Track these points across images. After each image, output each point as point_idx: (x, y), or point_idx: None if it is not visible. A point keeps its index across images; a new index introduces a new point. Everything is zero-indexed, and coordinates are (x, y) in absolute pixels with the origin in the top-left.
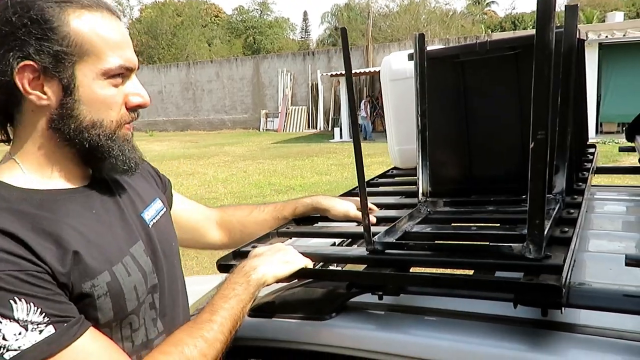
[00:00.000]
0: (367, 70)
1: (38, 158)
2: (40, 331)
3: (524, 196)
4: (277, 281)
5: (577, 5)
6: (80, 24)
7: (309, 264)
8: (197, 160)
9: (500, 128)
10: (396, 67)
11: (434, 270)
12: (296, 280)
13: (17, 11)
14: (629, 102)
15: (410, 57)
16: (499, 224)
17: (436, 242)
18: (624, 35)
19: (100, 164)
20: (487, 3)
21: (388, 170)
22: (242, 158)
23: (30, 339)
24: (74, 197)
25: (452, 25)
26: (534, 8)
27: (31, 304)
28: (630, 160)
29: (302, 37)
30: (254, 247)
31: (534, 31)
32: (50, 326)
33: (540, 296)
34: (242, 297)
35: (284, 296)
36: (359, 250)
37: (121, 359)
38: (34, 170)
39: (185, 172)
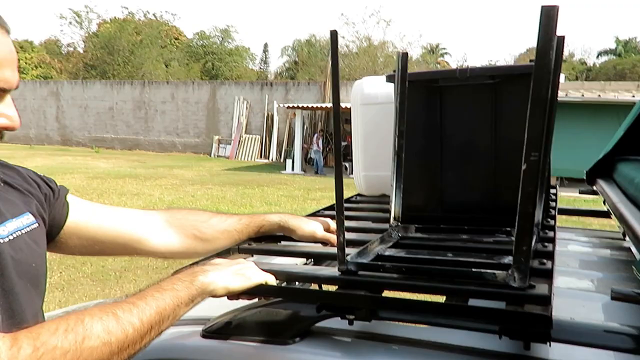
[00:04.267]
0: (323, 105)
1: None
2: None
3: (499, 227)
4: (230, 296)
5: (564, 36)
6: None
7: (270, 280)
8: (144, 181)
9: (475, 156)
10: (368, 92)
11: (409, 295)
12: (257, 300)
13: None
14: (568, 158)
15: (389, 78)
16: (473, 253)
17: (413, 265)
18: (565, 95)
19: None
20: (441, 53)
21: (352, 197)
22: (190, 182)
23: None
24: None
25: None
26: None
27: None
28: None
29: (260, 68)
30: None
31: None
32: None
33: (529, 327)
34: (179, 294)
35: (242, 316)
36: (330, 270)
37: None
38: None
39: (130, 192)
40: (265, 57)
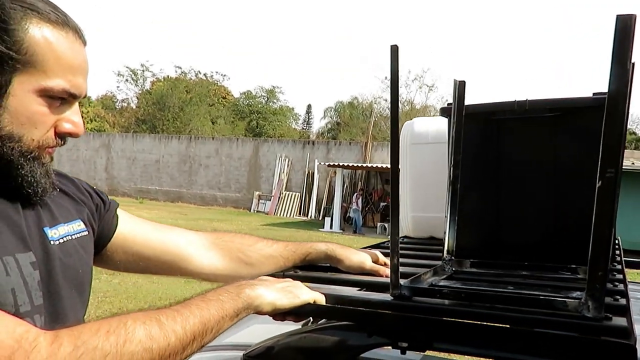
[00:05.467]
0: (364, 164)
1: None
2: None
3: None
4: (276, 316)
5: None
6: (39, 35)
7: (319, 300)
8: None
9: (534, 191)
10: (418, 130)
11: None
12: (302, 325)
13: None
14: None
15: (443, 112)
16: (536, 287)
17: (474, 290)
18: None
19: (5, 179)
20: None
21: (399, 238)
22: None
23: None
24: None
25: None
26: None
27: None
28: None
29: (303, 128)
30: None
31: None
32: None
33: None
34: (224, 306)
35: (286, 342)
36: (381, 295)
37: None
38: None
39: None
40: (308, 118)
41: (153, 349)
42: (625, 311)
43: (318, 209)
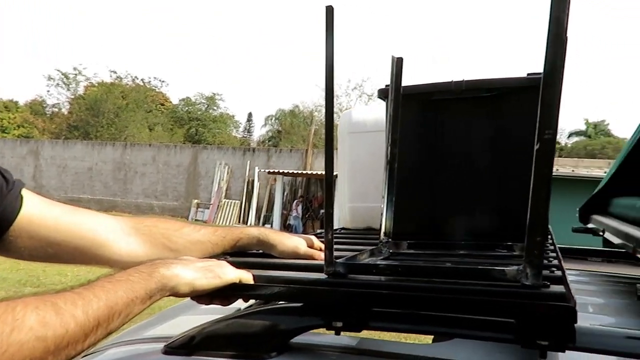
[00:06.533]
0: (304, 172)
1: None
2: None
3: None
4: (199, 299)
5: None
6: None
7: (245, 279)
8: None
9: (470, 172)
10: (356, 119)
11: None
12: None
13: None
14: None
15: (381, 93)
16: (475, 261)
17: (410, 265)
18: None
19: None
20: None
21: (336, 229)
22: None
23: None
24: None
25: None
26: None
27: None
28: None
29: (243, 136)
30: None
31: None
32: None
33: (551, 321)
34: (134, 287)
35: (212, 329)
36: (315, 274)
37: None
38: None
39: None
40: (249, 126)
41: (47, 337)
42: (561, 280)
43: (258, 217)
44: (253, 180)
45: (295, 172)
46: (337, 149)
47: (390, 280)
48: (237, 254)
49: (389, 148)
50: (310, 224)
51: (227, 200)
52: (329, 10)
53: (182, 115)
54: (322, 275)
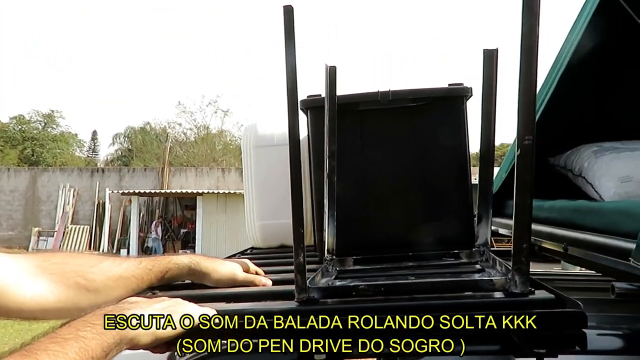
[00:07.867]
0: (162, 191)
1: None
2: None
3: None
4: (158, 347)
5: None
6: None
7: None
8: None
9: (399, 184)
10: (263, 133)
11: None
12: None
13: None
14: None
15: (303, 104)
16: (437, 274)
17: (392, 283)
18: None
19: None
20: None
21: (245, 250)
22: None
23: None
24: None
25: None
26: None
27: None
28: None
29: (88, 155)
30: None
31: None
32: None
33: (561, 327)
34: (88, 345)
35: None
36: (285, 303)
37: None
38: None
39: None
40: (94, 145)
41: None
42: (541, 285)
43: (112, 242)
44: (104, 203)
45: (151, 191)
46: (238, 164)
47: (379, 301)
48: (166, 286)
49: (327, 160)
50: (171, 244)
51: (75, 226)
52: (288, 11)
53: (15, 134)
54: (292, 304)
